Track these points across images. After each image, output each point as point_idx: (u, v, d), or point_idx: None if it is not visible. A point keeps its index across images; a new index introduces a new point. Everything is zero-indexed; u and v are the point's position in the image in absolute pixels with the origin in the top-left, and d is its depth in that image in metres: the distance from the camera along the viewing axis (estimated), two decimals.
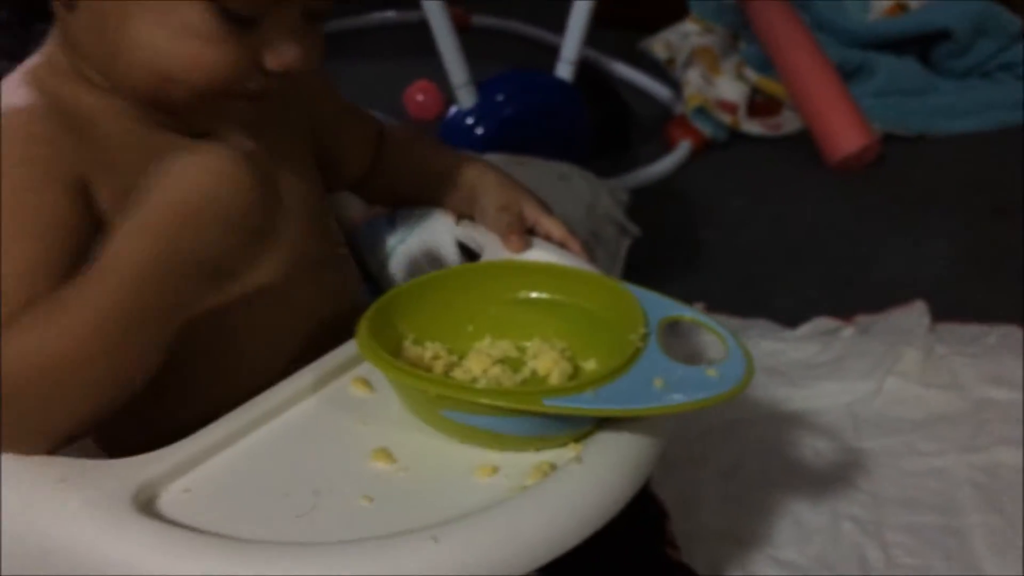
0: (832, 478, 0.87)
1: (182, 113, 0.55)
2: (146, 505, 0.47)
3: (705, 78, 1.64)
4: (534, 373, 0.57)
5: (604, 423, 0.52)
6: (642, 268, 1.12)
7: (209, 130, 0.57)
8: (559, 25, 1.86)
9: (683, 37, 1.82)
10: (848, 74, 1.64)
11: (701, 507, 0.83)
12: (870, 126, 1.51)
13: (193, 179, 0.48)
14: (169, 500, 0.48)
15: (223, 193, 0.47)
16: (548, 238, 0.71)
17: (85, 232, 0.52)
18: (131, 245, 0.47)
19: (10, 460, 0.49)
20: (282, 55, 0.53)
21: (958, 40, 1.70)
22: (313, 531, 0.46)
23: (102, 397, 0.48)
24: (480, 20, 1.92)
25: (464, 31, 1.28)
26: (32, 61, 0.56)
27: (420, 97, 1.60)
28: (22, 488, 0.48)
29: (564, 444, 0.52)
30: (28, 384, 0.46)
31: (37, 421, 0.47)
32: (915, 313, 1.06)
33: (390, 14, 1.96)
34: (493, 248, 0.69)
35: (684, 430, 0.90)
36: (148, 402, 0.53)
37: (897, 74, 1.68)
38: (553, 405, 0.48)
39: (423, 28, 1.26)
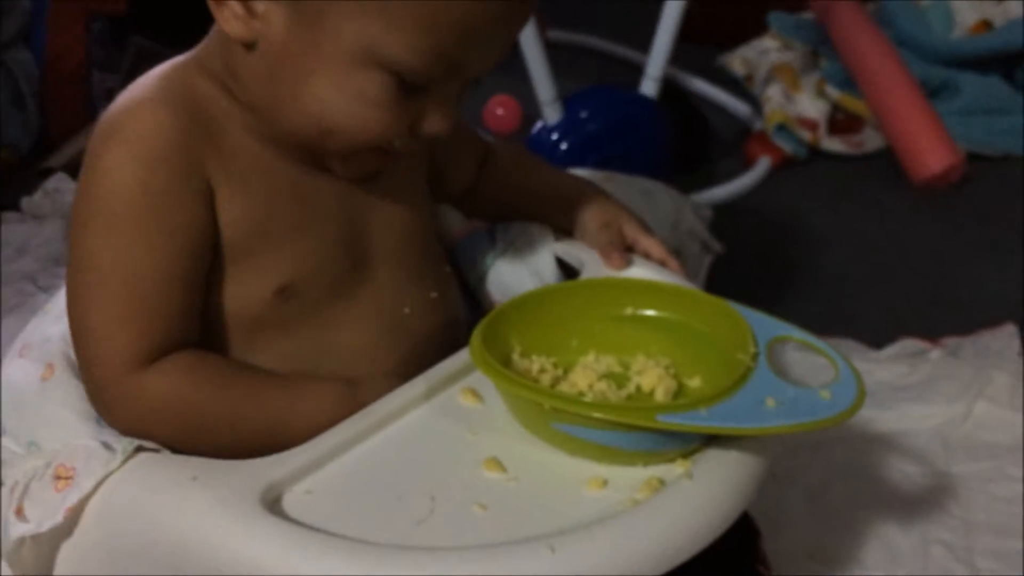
0: (921, 501, 0.86)
1: (329, 158, 0.58)
2: (272, 505, 0.49)
3: (785, 95, 1.63)
4: (638, 389, 0.58)
5: (712, 440, 0.53)
6: (724, 285, 1.11)
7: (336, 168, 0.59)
8: (630, 39, 1.88)
9: (761, 54, 1.81)
10: (932, 92, 1.61)
11: (789, 527, 0.83)
12: (955, 145, 1.49)
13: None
14: (293, 501, 0.50)
15: None
16: (647, 256, 0.72)
17: (212, 235, 0.55)
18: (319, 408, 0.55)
19: (146, 459, 0.52)
20: (438, 123, 0.55)
21: None
22: (431, 536, 0.48)
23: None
24: (555, 35, 1.94)
25: None
26: (182, 58, 0.58)
27: (500, 111, 1.62)
28: (157, 485, 0.51)
29: (672, 460, 0.52)
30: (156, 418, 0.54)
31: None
32: (1004, 336, 1.05)
33: None
34: (593, 265, 0.70)
35: None
36: None
37: (982, 92, 1.65)
38: (667, 422, 0.49)
39: None
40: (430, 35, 0.51)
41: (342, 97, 0.53)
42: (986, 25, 1.74)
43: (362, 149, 0.56)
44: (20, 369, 0.62)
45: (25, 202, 1.28)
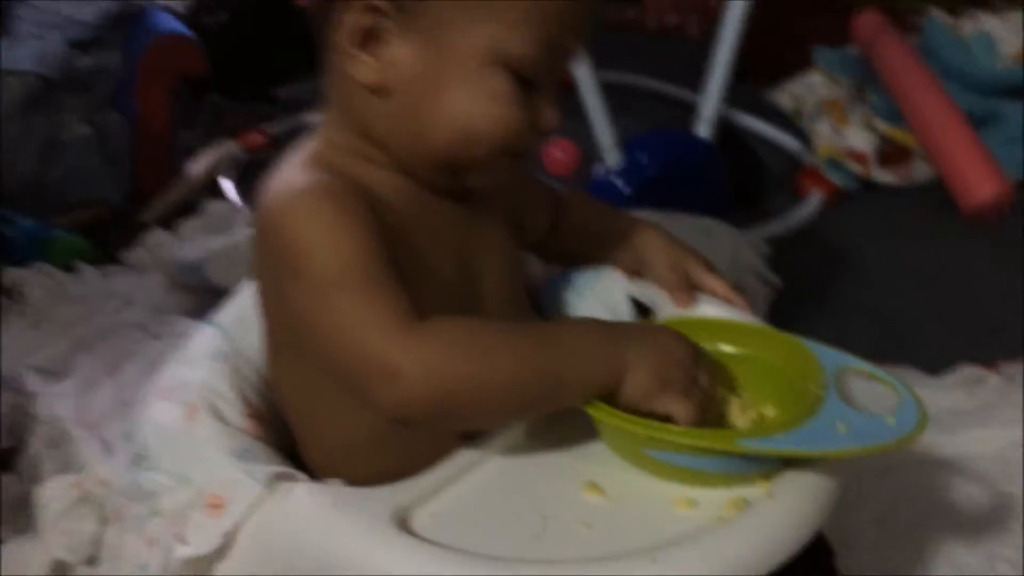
0: (985, 521, 0.90)
1: (470, 171, 0.64)
2: (403, 525, 0.56)
3: (834, 129, 1.69)
4: (719, 417, 0.64)
5: (791, 463, 0.59)
6: (783, 318, 1.17)
7: (475, 189, 0.67)
8: (674, 76, 1.94)
9: (809, 88, 1.87)
10: (977, 122, 1.65)
11: (859, 548, 0.87)
12: (1002, 174, 1.52)
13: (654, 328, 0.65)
14: (421, 522, 0.56)
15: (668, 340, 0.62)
16: (713, 295, 0.78)
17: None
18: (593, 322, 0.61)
19: (289, 487, 0.59)
20: (549, 115, 0.63)
21: None
22: (547, 550, 0.54)
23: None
24: (606, 76, 2.01)
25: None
26: (311, 146, 0.66)
27: (558, 154, 1.69)
28: (301, 511, 0.58)
29: (754, 482, 0.59)
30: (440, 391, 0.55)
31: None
32: None
33: None
34: (664, 304, 0.77)
35: None
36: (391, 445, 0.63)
37: None
38: (747, 446, 0.56)
39: (563, 88, 1.35)
40: (537, 25, 0.60)
41: (476, 100, 0.60)
42: None
43: (501, 152, 0.63)
44: (164, 411, 0.69)
45: (126, 256, 1.38)
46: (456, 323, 0.58)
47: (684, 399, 0.60)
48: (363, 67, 0.61)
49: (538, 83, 0.62)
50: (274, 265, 0.61)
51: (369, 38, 0.61)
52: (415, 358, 0.55)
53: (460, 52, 0.60)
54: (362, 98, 0.63)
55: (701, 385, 0.61)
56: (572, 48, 0.64)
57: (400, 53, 0.61)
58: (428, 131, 0.62)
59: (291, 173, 0.63)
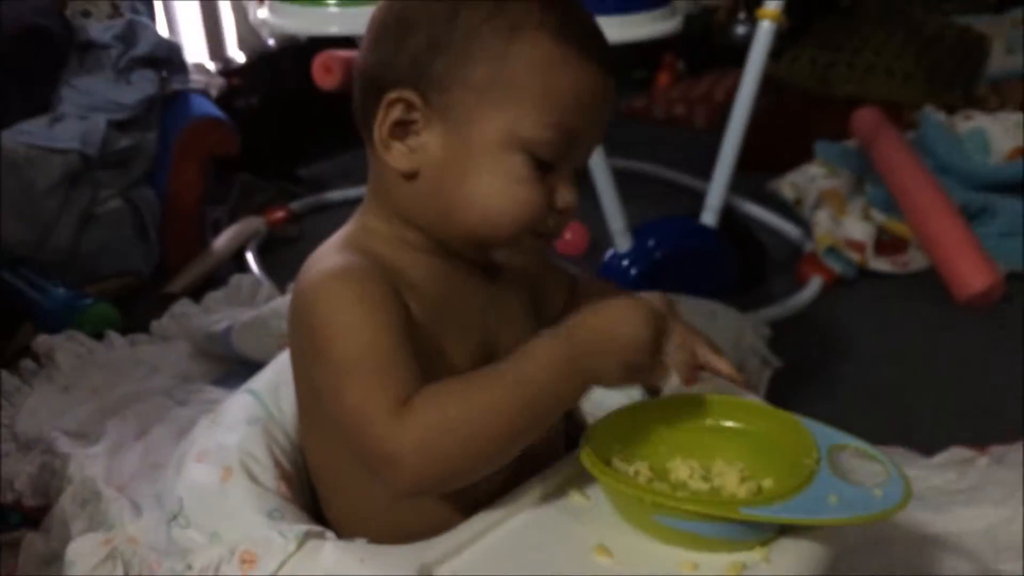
0: None
1: (494, 248, 0.70)
2: None
3: (833, 219, 1.76)
4: (719, 488, 0.69)
5: (785, 531, 0.64)
6: (782, 397, 1.22)
7: (499, 266, 0.73)
8: (676, 162, 2.02)
9: (810, 179, 1.94)
10: (971, 216, 1.73)
11: None
12: (994, 266, 1.59)
13: (609, 320, 0.65)
14: None
15: (624, 332, 0.64)
16: (717, 373, 0.83)
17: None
18: (550, 346, 0.64)
19: (318, 544, 0.64)
20: (567, 196, 0.69)
21: None
22: None
23: (485, 462, 0.63)
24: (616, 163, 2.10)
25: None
26: (348, 229, 0.72)
27: (568, 235, 1.77)
28: (331, 567, 0.63)
29: (752, 547, 0.63)
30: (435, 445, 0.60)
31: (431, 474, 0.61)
32: None
33: None
34: (673, 381, 0.82)
35: None
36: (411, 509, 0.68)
37: (1019, 216, 1.76)
38: (748, 513, 0.60)
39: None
40: (553, 111, 0.66)
41: (496, 182, 0.66)
42: (1022, 152, 1.86)
43: (524, 230, 0.68)
44: (200, 472, 0.75)
45: (154, 325, 1.44)
46: (436, 395, 0.61)
47: (655, 372, 0.67)
48: (396, 154, 0.68)
49: (556, 167, 0.68)
50: (303, 341, 0.67)
51: (401, 128, 0.67)
52: (407, 441, 0.60)
53: (481, 137, 0.66)
54: (395, 182, 0.69)
55: (668, 347, 0.67)
56: (589, 134, 0.69)
57: (429, 140, 0.67)
58: (454, 211, 0.68)
59: (327, 255, 0.69)
